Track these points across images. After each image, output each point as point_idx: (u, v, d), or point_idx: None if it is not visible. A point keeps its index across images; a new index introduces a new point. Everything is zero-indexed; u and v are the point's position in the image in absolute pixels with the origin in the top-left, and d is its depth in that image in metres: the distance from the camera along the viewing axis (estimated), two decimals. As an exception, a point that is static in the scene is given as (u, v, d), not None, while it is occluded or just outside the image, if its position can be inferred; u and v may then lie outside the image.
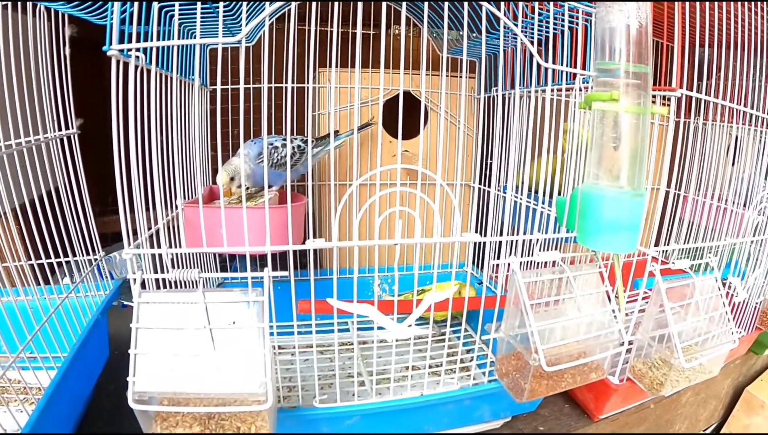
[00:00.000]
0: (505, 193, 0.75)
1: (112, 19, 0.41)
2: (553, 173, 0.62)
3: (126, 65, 0.42)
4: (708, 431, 0.94)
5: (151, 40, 0.45)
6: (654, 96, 0.53)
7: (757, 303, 0.78)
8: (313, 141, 0.75)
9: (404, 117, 0.51)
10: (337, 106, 0.85)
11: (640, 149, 0.48)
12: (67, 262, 0.66)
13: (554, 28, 0.58)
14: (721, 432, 0.94)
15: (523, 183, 0.58)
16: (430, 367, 0.66)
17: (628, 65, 0.47)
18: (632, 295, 0.67)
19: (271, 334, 0.45)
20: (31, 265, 0.64)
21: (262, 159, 0.70)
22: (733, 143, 0.74)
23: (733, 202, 0.71)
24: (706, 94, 0.59)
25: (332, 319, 0.51)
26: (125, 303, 0.94)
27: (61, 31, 0.61)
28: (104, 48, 0.42)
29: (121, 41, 0.42)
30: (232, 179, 0.68)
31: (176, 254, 0.61)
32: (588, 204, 0.51)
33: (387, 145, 0.92)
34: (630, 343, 0.59)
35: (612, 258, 0.59)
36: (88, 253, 0.68)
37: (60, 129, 0.64)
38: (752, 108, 0.66)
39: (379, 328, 0.51)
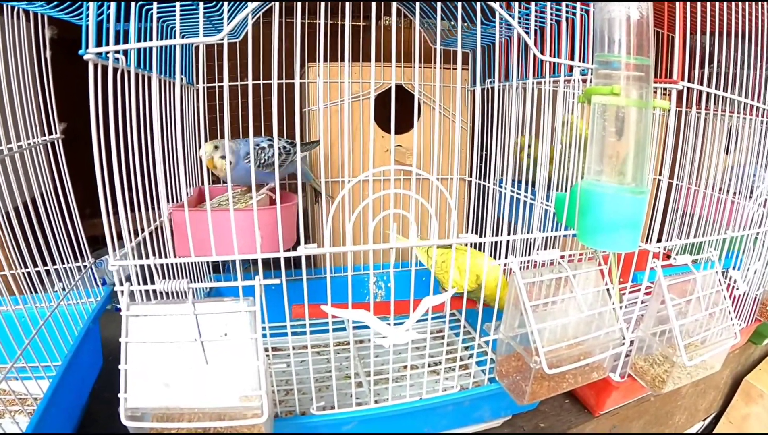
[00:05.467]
0: (500, 187, 0.74)
1: (88, 20, 0.39)
2: (550, 164, 0.60)
3: (105, 68, 0.40)
4: (707, 421, 0.95)
5: (130, 40, 0.43)
6: (654, 88, 0.52)
7: (756, 294, 0.77)
8: (296, 144, 0.74)
9: (396, 111, 0.50)
10: (326, 102, 0.83)
11: (642, 145, 0.46)
12: (56, 270, 0.65)
13: (551, 19, 0.56)
14: (720, 421, 0.94)
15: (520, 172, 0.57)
16: (429, 365, 0.66)
17: (628, 57, 0.45)
18: (633, 288, 0.66)
19: (264, 335, 0.44)
20: (20, 274, 0.62)
21: (248, 159, 0.68)
22: (727, 133, 0.72)
23: (734, 193, 0.70)
24: (702, 83, 0.58)
25: (327, 319, 0.50)
26: (118, 306, 0.93)
27: (41, 34, 0.59)
28: (81, 52, 0.40)
29: (99, 42, 0.40)
30: (216, 148, 0.67)
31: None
32: (588, 201, 0.49)
33: (379, 140, 0.90)
34: (631, 341, 0.59)
35: (610, 255, 0.58)
36: (77, 260, 0.67)
37: (43, 134, 0.62)
38: (751, 98, 0.65)
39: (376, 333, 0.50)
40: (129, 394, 0.42)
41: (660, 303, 0.57)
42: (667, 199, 0.59)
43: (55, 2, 0.53)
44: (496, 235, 0.55)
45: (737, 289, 0.69)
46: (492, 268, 0.60)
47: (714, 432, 0.95)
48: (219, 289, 0.81)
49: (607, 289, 0.55)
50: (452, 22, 0.79)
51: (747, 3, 0.60)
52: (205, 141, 0.72)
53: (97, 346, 0.67)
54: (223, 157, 0.67)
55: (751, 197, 0.69)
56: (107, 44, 0.41)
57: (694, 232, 0.64)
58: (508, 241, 0.55)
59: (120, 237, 0.45)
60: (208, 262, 0.85)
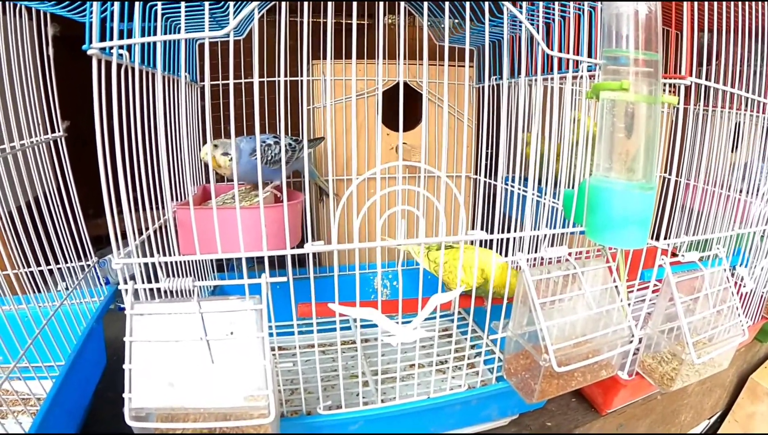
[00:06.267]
0: (506, 184, 0.73)
1: (91, 16, 0.39)
2: (557, 161, 0.60)
3: (108, 64, 0.40)
4: (712, 420, 0.94)
5: (134, 36, 0.42)
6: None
7: (763, 292, 0.76)
8: (301, 141, 0.73)
9: (402, 108, 0.49)
10: (332, 100, 0.83)
11: (651, 141, 0.46)
12: (59, 269, 0.64)
13: (560, 14, 0.56)
14: (726, 420, 0.93)
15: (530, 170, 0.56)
16: (436, 364, 0.65)
17: (637, 52, 0.45)
18: (641, 286, 0.66)
19: (271, 334, 0.44)
20: (23, 273, 0.62)
21: (253, 156, 0.67)
22: (734, 130, 0.72)
23: (739, 190, 0.69)
24: (708, 80, 0.57)
25: (333, 317, 0.49)
26: (121, 306, 0.92)
27: (43, 31, 0.59)
28: (84, 47, 0.39)
29: (102, 39, 0.40)
30: (216, 146, 0.66)
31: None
32: (596, 198, 0.49)
33: (385, 138, 0.89)
34: (639, 339, 0.58)
35: (618, 252, 0.58)
36: (80, 259, 0.66)
37: (46, 132, 0.62)
38: (756, 94, 0.64)
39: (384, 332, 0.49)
40: (133, 394, 0.41)
41: (668, 300, 0.56)
42: (674, 195, 0.59)
43: (58, -1, 0.53)
44: (503, 232, 0.55)
45: (744, 286, 0.69)
46: (499, 265, 0.59)
47: (719, 431, 0.95)
48: (223, 288, 0.81)
49: (616, 287, 0.54)
50: (456, 20, 0.79)
51: (753, 1, 0.60)
52: (211, 139, 0.71)
53: (100, 346, 0.67)
54: (225, 154, 0.67)
55: (757, 194, 0.69)
56: (111, 40, 0.40)
57: (702, 229, 0.63)
58: (515, 238, 0.55)
59: (124, 235, 0.44)
60: (212, 261, 0.84)
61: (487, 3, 0.51)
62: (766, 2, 0.61)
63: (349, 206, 0.45)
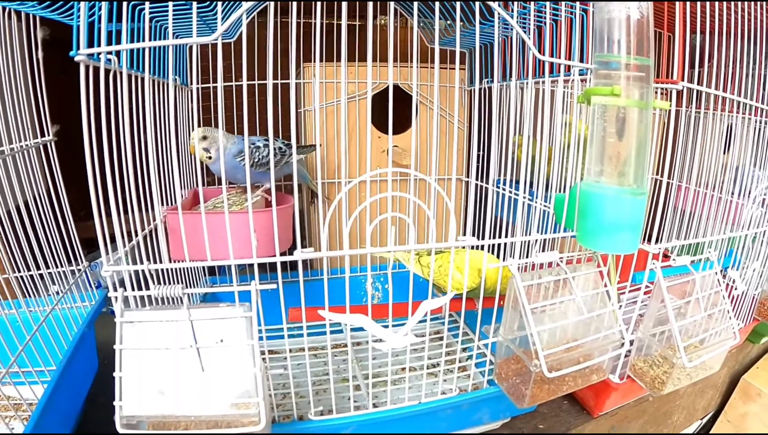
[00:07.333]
0: (497, 187, 0.73)
1: (79, 20, 0.38)
2: (549, 165, 0.60)
3: (96, 69, 0.40)
4: (705, 420, 0.95)
5: (122, 41, 0.42)
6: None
7: (755, 294, 0.77)
8: (290, 145, 0.73)
9: (392, 111, 0.49)
10: (322, 103, 0.82)
11: (642, 146, 0.46)
12: (50, 274, 0.64)
13: (551, 17, 0.56)
14: (718, 420, 0.94)
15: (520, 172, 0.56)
16: (428, 368, 0.65)
17: (629, 57, 0.45)
18: (632, 289, 0.66)
19: (261, 338, 0.44)
20: (14, 278, 0.61)
21: (242, 157, 0.67)
22: (726, 132, 0.72)
23: (730, 192, 0.70)
24: (699, 83, 0.57)
25: (324, 322, 0.49)
26: (113, 309, 0.92)
27: (33, 34, 0.58)
28: (71, 53, 0.39)
29: (90, 43, 0.39)
30: (204, 138, 0.67)
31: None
32: (588, 203, 0.49)
33: (375, 141, 0.89)
34: (630, 341, 0.58)
35: (609, 257, 0.58)
36: (71, 263, 0.66)
37: (36, 136, 0.61)
38: (747, 96, 0.64)
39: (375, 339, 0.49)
40: (124, 402, 0.41)
41: (660, 303, 0.56)
42: (666, 200, 0.59)
43: (47, 2, 0.52)
44: (494, 237, 0.55)
45: (736, 288, 0.69)
46: (492, 266, 0.59)
47: (712, 431, 0.95)
48: (215, 294, 0.80)
49: (607, 291, 0.54)
50: (448, 21, 0.79)
51: (746, 2, 0.60)
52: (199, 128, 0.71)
53: (92, 351, 0.67)
54: (206, 150, 0.67)
55: (749, 196, 0.69)
56: (99, 45, 0.40)
57: (693, 233, 0.63)
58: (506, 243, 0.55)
59: (113, 239, 0.44)
60: (204, 267, 0.84)
61: (477, 5, 0.51)
62: (758, 2, 0.61)
63: (339, 210, 0.45)
